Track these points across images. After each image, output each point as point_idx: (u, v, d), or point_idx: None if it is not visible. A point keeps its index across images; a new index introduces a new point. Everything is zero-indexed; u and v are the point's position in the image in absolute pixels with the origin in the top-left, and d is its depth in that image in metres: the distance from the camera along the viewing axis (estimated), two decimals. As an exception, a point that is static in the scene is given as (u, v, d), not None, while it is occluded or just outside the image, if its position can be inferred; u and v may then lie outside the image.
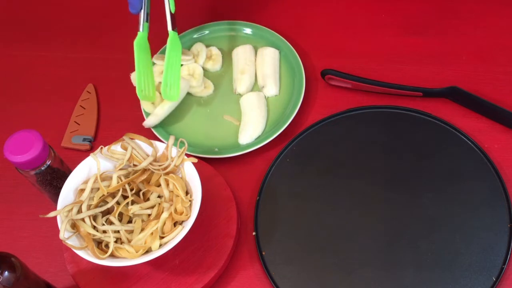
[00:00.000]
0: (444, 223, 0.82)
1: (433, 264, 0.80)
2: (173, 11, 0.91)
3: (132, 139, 0.80)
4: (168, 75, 0.90)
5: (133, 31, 1.09)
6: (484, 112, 0.91)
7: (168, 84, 0.90)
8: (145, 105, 0.96)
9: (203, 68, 1.00)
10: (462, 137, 0.88)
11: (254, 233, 0.85)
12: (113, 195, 0.79)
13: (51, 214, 0.76)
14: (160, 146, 0.81)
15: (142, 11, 0.89)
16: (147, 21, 0.90)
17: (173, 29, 0.91)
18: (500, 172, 0.85)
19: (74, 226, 0.77)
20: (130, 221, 0.79)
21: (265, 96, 0.96)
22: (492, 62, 0.96)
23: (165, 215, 0.76)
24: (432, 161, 0.87)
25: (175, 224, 0.78)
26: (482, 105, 0.90)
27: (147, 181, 0.81)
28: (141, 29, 0.90)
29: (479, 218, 0.82)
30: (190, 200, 0.78)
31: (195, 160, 0.79)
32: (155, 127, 0.94)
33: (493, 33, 0.99)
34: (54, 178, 0.81)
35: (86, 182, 0.79)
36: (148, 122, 0.93)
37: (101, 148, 0.80)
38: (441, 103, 0.93)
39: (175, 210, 0.77)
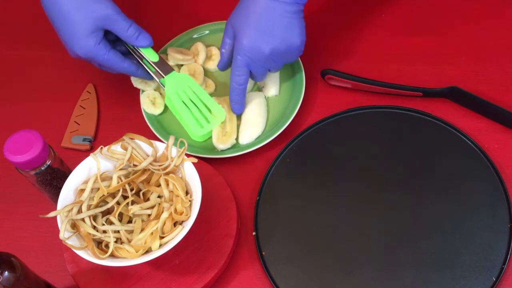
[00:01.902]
0: (444, 223, 0.82)
1: (433, 264, 0.80)
2: (156, 60, 0.90)
3: (132, 139, 0.80)
4: (190, 110, 0.89)
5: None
6: (484, 112, 0.91)
7: (202, 115, 0.89)
8: (145, 105, 0.96)
9: (203, 68, 0.99)
10: (462, 137, 0.88)
11: (254, 233, 0.85)
12: (113, 195, 0.79)
13: (51, 214, 0.76)
14: (160, 146, 0.81)
15: (153, 76, 0.90)
16: (163, 77, 0.90)
17: (166, 75, 0.90)
18: (500, 172, 0.85)
19: (74, 226, 0.77)
20: (130, 221, 0.79)
21: (265, 96, 0.96)
22: (492, 62, 0.96)
23: (165, 215, 0.76)
24: (432, 161, 0.87)
25: (175, 224, 0.78)
26: (482, 105, 0.90)
27: (147, 181, 0.81)
28: (162, 87, 0.91)
29: (479, 218, 0.82)
30: (190, 200, 0.78)
31: (195, 160, 0.79)
32: (156, 127, 0.94)
33: (493, 33, 0.99)
34: (54, 178, 0.81)
35: (86, 182, 0.79)
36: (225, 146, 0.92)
37: (101, 148, 0.80)
38: (441, 103, 0.93)
39: (175, 210, 0.77)
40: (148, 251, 0.76)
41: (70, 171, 0.80)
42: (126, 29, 0.87)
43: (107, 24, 0.86)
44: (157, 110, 0.96)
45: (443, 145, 0.88)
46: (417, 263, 0.80)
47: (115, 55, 0.88)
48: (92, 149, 0.96)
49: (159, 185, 0.80)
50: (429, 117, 0.91)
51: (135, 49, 0.90)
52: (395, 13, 1.04)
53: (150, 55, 0.90)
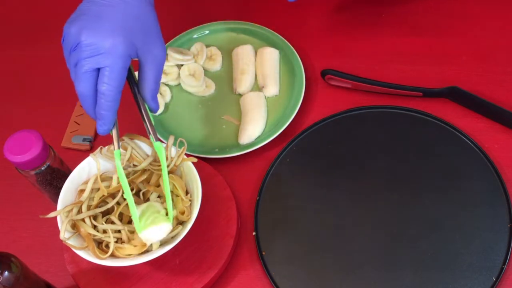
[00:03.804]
0: (444, 223, 0.82)
1: (433, 264, 0.80)
2: (154, 124, 0.79)
3: (131, 139, 0.80)
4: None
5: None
6: (484, 112, 0.91)
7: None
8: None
9: (203, 68, 1.00)
10: (462, 137, 0.88)
11: (254, 233, 0.85)
12: (113, 195, 0.79)
13: (51, 215, 0.76)
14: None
15: (114, 129, 0.76)
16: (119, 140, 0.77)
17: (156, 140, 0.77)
18: (500, 172, 0.85)
19: (74, 226, 0.77)
20: (130, 222, 0.79)
21: (265, 96, 0.96)
22: (492, 62, 0.96)
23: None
24: (432, 161, 0.87)
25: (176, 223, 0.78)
26: (482, 105, 0.90)
27: (147, 181, 0.81)
28: (117, 147, 0.76)
29: (479, 218, 0.82)
30: (190, 200, 0.78)
31: (195, 160, 0.79)
32: (156, 127, 0.94)
33: (493, 33, 0.99)
34: (54, 178, 0.81)
35: (86, 182, 0.79)
36: None
37: (101, 148, 0.80)
38: (441, 103, 0.93)
39: (176, 211, 0.77)
40: (148, 250, 0.76)
41: (70, 171, 0.80)
42: (154, 81, 0.76)
43: (148, 63, 0.75)
44: (157, 110, 0.96)
45: (443, 145, 0.88)
46: (417, 263, 0.80)
47: (124, 81, 0.73)
48: (92, 149, 0.96)
49: (158, 185, 0.80)
50: (429, 117, 0.91)
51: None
52: (395, 13, 1.03)
53: (152, 117, 0.79)
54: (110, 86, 0.71)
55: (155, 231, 0.74)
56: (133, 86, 0.78)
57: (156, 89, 0.77)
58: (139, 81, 0.76)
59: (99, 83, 0.71)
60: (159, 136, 0.93)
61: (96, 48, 0.70)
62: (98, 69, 0.71)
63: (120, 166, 0.75)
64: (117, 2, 0.73)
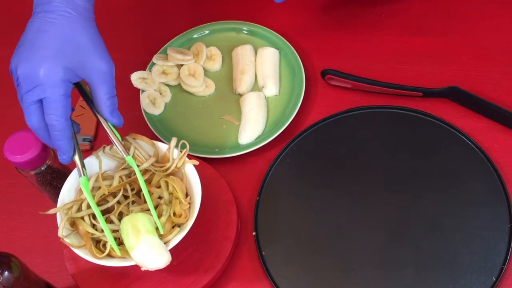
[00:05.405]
0: (444, 223, 0.82)
1: (433, 264, 0.80)
2: (120, 139, 0.77)
3: (134, 139, 0.80)
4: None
5: (133, 31, 1.09)
6: (484, 112, 0.91)
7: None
8: (145, 106, 0.96)
9: (203, 68, 1.00)
10: (462, 137, 0.88)
11: (254, 233, 0.85)
12: (114, 194, 0.79)
13: (51, 211, 0.76)
14: (162, 147, 0.81)
15: (77, 156, 0.75)
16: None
17: (128, 154, 0.78)
18: (500, 172, 0.85)
19: (73, 224, 0.77)
20: (130, 221, 0.79)
21: (265, 96, 0.96)
22: (492, 62, 0.96)
23: (163, 219, 0.76)
24: (432, 161, 0.87)
25: (174, 225, 0.78)
26: (482, 105, 0.90)
27: (148, 181, 0.81)
28: (82, 173, 0.76)
29: (479, 218, 0.82)
30: (189, 203, 0.77)
31: (197, 163, 0.79)
32: (156, 127, 0.94)
33: (493, 33, 0.99)
34: (54, 178, 0.81)
35: (87, 181, 0.79)
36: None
37: (104, 147, 0.81)
38: (441, 103, 0.93)
39: (174, 213, 0.77)
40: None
41: (70, 171, 0.80)
42: (108, 97, 0.75)
43: (94, 80, 0.73)
44: (157, 110, 0.96)
45: (443, 145, 0.88)
46: (417, 263, 0.80)
47: (69, 107, 0.72)
48: (92, 149, 0.96)
49: (159, 186, 0.80)
50: (429, 117, 0.91)
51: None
52: (395, 13, 1.03)
53: (116, 133, 0.77)
54: (55, 116, 0.70)
55: (153, 258, 0.72)
56: (90, 105, 0.77)
57: (113, 104, 0.75)
58: (93, 100, 0.75)
59: (45, 115, 0.71)
60: (159, 136, 0.93)
61: (32, 81, 0.70)
62: (42, 101, 0.71)
63: (90, 195, 0.75)
64: (48, 25, 0.72)
